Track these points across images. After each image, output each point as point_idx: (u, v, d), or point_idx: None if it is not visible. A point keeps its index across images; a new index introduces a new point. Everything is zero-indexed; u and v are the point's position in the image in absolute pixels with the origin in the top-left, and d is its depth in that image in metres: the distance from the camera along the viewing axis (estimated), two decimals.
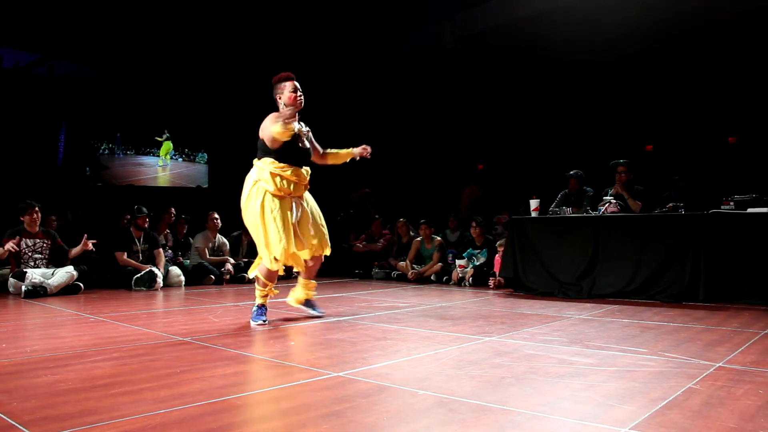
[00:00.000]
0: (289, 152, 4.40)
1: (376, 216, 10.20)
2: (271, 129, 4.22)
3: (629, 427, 2.01)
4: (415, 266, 8.85)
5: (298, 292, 5.01)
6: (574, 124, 10.02)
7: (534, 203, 7.05)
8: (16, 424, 2.05)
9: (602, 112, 9.69)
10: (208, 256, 8.72)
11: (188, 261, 8.82)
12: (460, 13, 10.02)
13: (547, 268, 6.70)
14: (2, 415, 2.15)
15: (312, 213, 4.63)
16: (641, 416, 2.12)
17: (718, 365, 2.95)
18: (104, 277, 7.85)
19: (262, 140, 4.41)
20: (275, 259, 4.30)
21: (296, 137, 4.42)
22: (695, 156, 8.81)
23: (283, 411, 2.23)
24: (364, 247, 9.93)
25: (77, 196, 10.27)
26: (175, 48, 10.67)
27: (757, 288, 5.48)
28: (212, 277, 8.44)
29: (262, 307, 4.61)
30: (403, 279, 8.84)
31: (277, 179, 4.33)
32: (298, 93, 4.44)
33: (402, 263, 8.98)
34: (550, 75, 9.96)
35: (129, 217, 8.37)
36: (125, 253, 7.87)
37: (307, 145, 4.66)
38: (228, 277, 8.63)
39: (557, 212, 7.04)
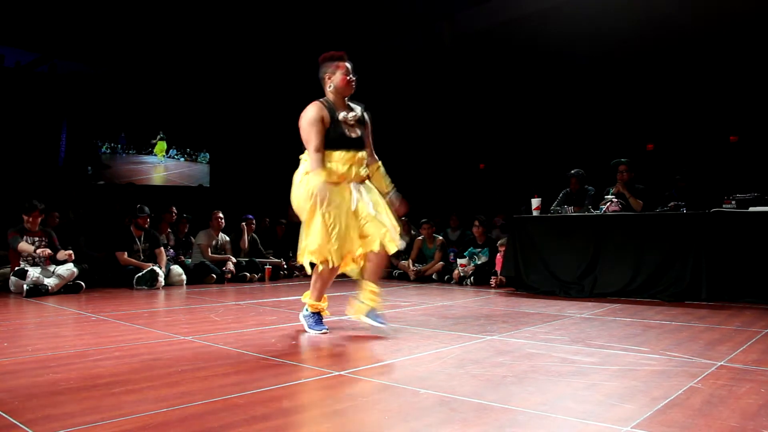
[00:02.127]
0: (334, 142, 3.93)
1: None
2: (301, 124, 3.90)
3: (631, 426, 2.00)
4: (416, 265, 8.86)
5: (358, 301, 4.05)
6: (575, 123, 10.01)
7: (535, 202, 7.06)
8: (18, 423, 2.05)
9: (603, 111, 9.69)
10: (210, 255, 8.72)
11: (190, 260, 8.82)
12: (460, 11, 10.01)
13: (548, 267, 6.70)
14: (4, 414, 2.15)
15: (374, 203, 3.99)
16: (643, 415, 2.12)
17: (719, 364, 2.95)
18: (105, 276, 7.85)
19: None
20: (311, 253, 3.82)
21: (338, 125, 3.95)
22: (696, 155, 8.80)
23: (285, 410, 2.23)
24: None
25: (79, 195, 10.27)
26: (177, 47, 10.67)
27: (758, 287, 5.48)
28: (214, 275, 8.44)
29: (317, 314, 4.10)
30: (404, 278, 8.84)
31: (327, 165, 3.88)
32: (351, 77, 4.01)
33: (403, 262, 8.98)
34: (551, 74, 9.96)
35: (130, 216, 8.36)
36: (126, 253, 7.87)
37: (358, 132, 4.05)
38: (230, 275, 8.63)
39: (559, 211, 7.04)
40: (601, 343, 3.57)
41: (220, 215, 8.97)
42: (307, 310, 4.15)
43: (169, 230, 9.13)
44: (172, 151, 11.69)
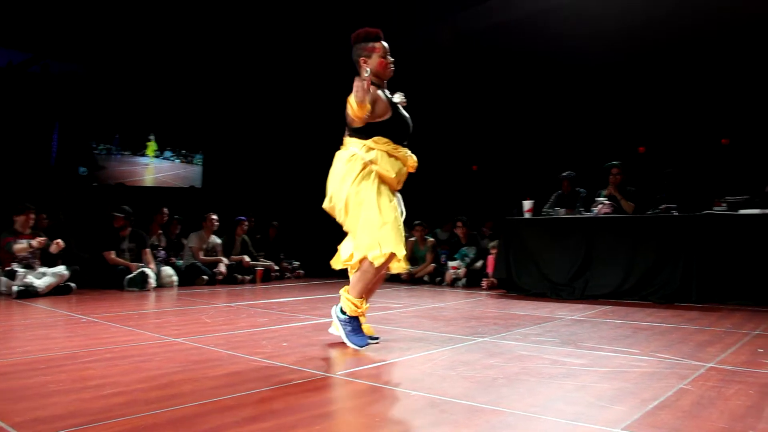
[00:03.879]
0: (399, 129, 3.54)
1: None
2: (349, 99, 3.26)
3: (621, 428, 2.01)
4: (408, 267, 8.86)
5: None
6: (567, 126, 10.04)
7: (527, 204, 7.07)
8: (7, 426, 2.04)
9: (595, 113, 9.71)
10: (201, 257, 8.71)
11: (181, 261, 8.80)
12: (453, 14, 10.02)
13: (540, 269, 6.72)
14: None
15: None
16: (633, 417, 2.12)
17: (709, 366, 2.96)
18: (94, 277, 7.82)
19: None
20: (392, 255, 3.37)
21: (397, 108, 3.57)
22: (688, 157, 8.84)
23: (275, 412, 2.23)
24: None
25: (70, 196, 10.23)
26: (172, 48, 10.64)
27: (748, 289, 5.51)
28: (205, 277, 8.43)
29: (355, 320, 3.54)
30: (396, 279, 8.84)
31: (397, 164, 3.49)
32: (389, 59, 3.58)
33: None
34: (544, 76, 9.98)
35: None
36: (113, 252, 7.85)
37: (407, 115, 3.66)
38: (221, 277, 8.63)
39: (550, 213, 7.06)
40: (591, 345, 3.58)
41: (214, 217, 8.97)
42: (341, 311, 3.56)
43: (160, 231, 9.11)
44: (168, 153, 11.65)
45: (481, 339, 3.83)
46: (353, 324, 3.51)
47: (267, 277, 9.26)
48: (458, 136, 11.72)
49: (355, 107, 3.20)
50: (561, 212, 6.99)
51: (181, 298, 6.67)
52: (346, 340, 3.50)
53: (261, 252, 9.78)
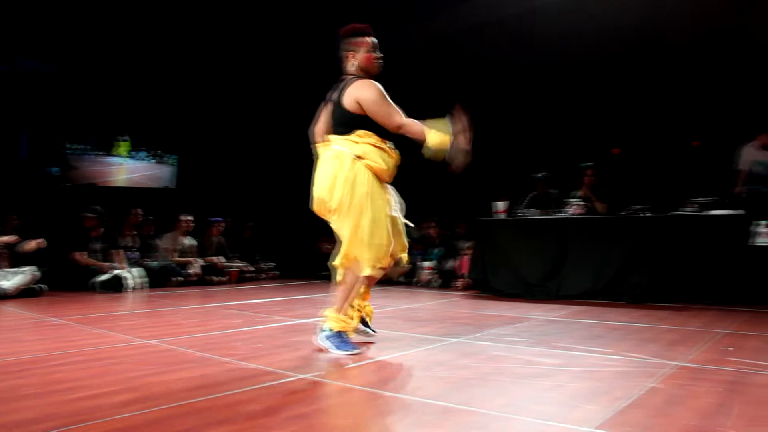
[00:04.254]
0: (386, 129, 3.45)
1: None
2: (379, 110, 3.32)
3: (593, 427, 2.03)
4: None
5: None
6: (541, 127, 10.10)
7: (501, 205, 7.11)
8: None
9: (570, 115, 9.79)
10: (174, 258, 8.64)
11: (154, 262, 8.72)
12: (429, 16, 10.05)
13: (514, 270, 6.76)
14: None
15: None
16: (604, 416, 2.14)
17: (680, 364, 3.00)
18: (64, 279, 7.71)
19: (352, 110, 3.38)
20: (377, 265, 3.39)
21: None
22: (660, 159, 8.95)
23: (249, 414, 2.21)
24: (332, 248, 9.90)
25: (41, 197, 10.08)
26: (147, 47, 10.53)
27: (718, 289, 5.60)
28: (179, 278, 8.36)
29: (340, 335, 3.43)
30: None
31: (385, 156, 3.43)
32: (377, 54, 3.55)
33: None
34: (518, 78, 10.04)
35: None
36: (84, 253, 7.77)
37: None
38: (195, 278, 8.57)
39: (524, 214, 7.10)
40: (564, 344, 3.61)
41: (189, 218, 8.90)
42: (327, 329, 3.45)
43: (133, 232, 9.02)
44: (142, 153, 11.53)
45: (455, 339, 3.84)
46: (339, 336, 3.40)
47: (241, 278, 9.21)
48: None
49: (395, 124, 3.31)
50: (535, 213, 7.03)
51: (153, 300, 6.61)
52: (336, 351, 3.35)
53: (236, 253, 9.72)
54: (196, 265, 8.68)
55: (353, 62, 3.51)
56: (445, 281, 8.05)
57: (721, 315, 4.90)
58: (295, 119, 12.13)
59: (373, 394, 2.53)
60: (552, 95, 9.86)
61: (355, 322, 3.67)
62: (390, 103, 3.35)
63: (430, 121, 3.38)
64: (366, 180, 3.34)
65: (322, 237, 10.24)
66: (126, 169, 11.40)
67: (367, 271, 3.36)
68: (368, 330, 3.88)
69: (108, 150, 11.22)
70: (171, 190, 11.61)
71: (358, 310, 3.78)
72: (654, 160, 8.98)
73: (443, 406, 2.30)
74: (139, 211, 9.13)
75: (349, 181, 3.31)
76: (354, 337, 3.58)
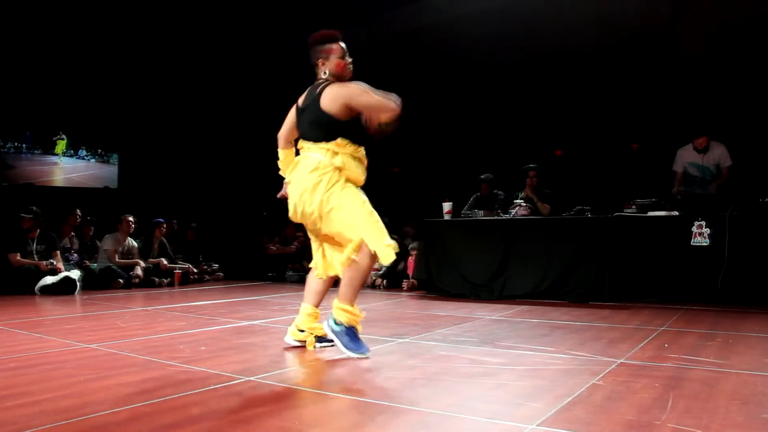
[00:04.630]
0: (359, 129, 3.45)
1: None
2: (364, 101, 3.31)
3: (536, 424, 2.06)
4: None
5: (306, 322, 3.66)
6: (486, 129, 10.23)
7: (446, 206, 7.16)
8: None
9: (513, 117, 9.94)
10: (117, 260, 8.46)
11: (95, 264, 8.52)
12: (376, 16, 10.09)
13: (459, 270, 6.81)
14: None
15: None
16: (548, 413, 2.18)
17: (620, 361, 3.07)
18: (2, 282, 7.47)
19: (334, 115, 3.33)
20: (388, 246, 3.22)
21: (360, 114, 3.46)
22: (601, 161, 9.16)
23: (193, 417, 2.19)
24: (277, 250, 9.85)
25: None
26: (88, 43, 10.29)
27: (656, 287, 5.77)
28: (121, 280, 8.20)
29: (352, 329, 3.33)
30: None
31: (361, 166, 3.45)
32: (348, 59, 3.53)
33: None
34: (462, 80, 10.15)
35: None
36: (18, 254, 7.57)
37: None
38: (137, 280, 8.41)
39: (469, 215, 7.17)
40: (509, 344, 3.66)
41: (131, 219, 8.73)
42: (335, 322, 3.34)
43: (72, 234, 8.81)
44: (82, 151, 11.24)
45: (401, 340, 3.86)
46: (350, 333, 3.30)
47: (185, 280, 9.07)
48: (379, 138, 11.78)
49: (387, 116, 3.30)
50: (480, 214, 7.10)
51: (94, 303, 6.45)
52: (345, 351, 3.26)
53: (179, 254, 9.58)
54: (138, 267, 8.51)
55: (324, 69, 3.49)
56: (391, 282, 8.06)
57: (659, 312, 5.03)
58: (239, 119, 12.05)
59: (320, 395, 2.52)
60: (496, 97, 10.00)
61: (312, 346, 3.58)
62: (376, 91, 3.32)
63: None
64: (345, 183, 3.34)
65: (267, 238, 10.18)
66: (65, 169, 11.12)
67: (382, 257, 3.22)
68: (324, 344, 3.63)
69: (46, 149, 10.92)
70: (112, 190, 11.37)
71: (311, 331, 3.62)
72: (595, 162, 9.19)
73: (390, 406, 2.31)
74: (78, 211, 8.92)
75: (328, 188, 3.29)
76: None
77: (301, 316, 3.64)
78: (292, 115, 3.66)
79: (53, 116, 10.78)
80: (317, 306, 3.65)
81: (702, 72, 8.25)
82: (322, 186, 3.29)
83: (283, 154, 3.76)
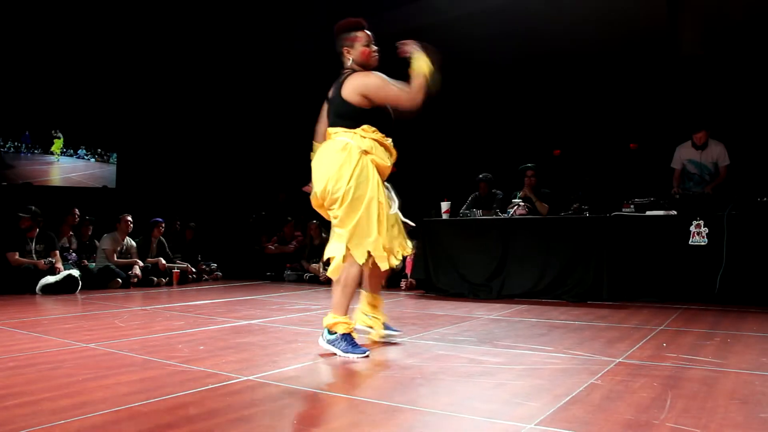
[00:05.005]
0: (386, 119, 3.49)
1: (289, 218, 10.13)
2: (382, 93, 3.36)
3: (534, 423, 2.06)
4: (327, 268, 8.82)
5: (370, 316, 3.80)
6: (484, 129, 10.23)
7: (445, 206, 7.15)
8: None
9: (512, 117, 9.93)
10: (115, 259, 8.45)
11: (94, 264, 8.51)
12: (373, 16, 10.07)
13: (457, 270, 6.81)
14: None
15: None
16: (546, 412, 2.18)
17: (618, 361, 3.07)
18: (2, 282, 7.46)
19: (356, 104, 3.36)
20: (368, 253, 3.26)
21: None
22: (599, 161, 9.16)
23: (190, 417, 2.18)
24: (276, 249, 9.85)
25: None
26: (89, 42, 10.28)
27: (654, 286, 5.76)
28: (119, 280, 8.19)
29: (347, 336, 3.32)
30: (315, 281, 8.80)
31: (386, 153, 3.46)
32: (373, 47, 3.53)
33: (314, 265, 8.95)
34: (460, 80, 10.14)
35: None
36: (17, 253, 7.56)
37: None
38: (135, 280, 8.40)
39: (468, 215, 7.17)
40: (508, 343, 3.66)
41: (129, 218, 8.72)
42: (329, 332, 3.35)
43: (71, 233, 8.79)
44: (81, 151, 11.22)
45: (399, 339, 3.86)
46: (346, 339, 3.28)
47: (184, 279, 9.06)
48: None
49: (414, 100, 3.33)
50: (478, 214, 7.10)
51: (93, 302, 6.45)
52: (345, 355, 3.23)
53: (177, 254, 9.57)
54: (137, 267, 8.51)
55: (349, 57, 3.51)
56: (389, 281, 8.05)
57: (658, 312, 5.04)
58: (237, 119, 12.04)
59: (318, 394, 2.52)
60: (494, 96, 9.99)
61: (380, 331, 3.73)
62: (395, 83, 3.36)
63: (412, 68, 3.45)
64: (371, 175, 3.33)
65: (266, 237, 10.17)
66: (62, 168, 11.09)
67: (361, 262, 3.27)
68: (391, 332, 3.85)
69: (46, 148, 10.90)
70: (111, 190, 11.36)
71: (375, 317, 3.77)
72: (593, 161, 9.19)
73: (388, 406, 2.30)
74: (76, 211, 8.91)
75: (356, 173, 3.28)
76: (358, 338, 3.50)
77: (362, 303, 3.76)
78: (324, 108, 3.66)
79: (52, 116, 10.76)
80: (375, 292, 3.76)
81: (701, 71, 8.25)
82: (348, 169, 3.27)
83: (318, 147, 3.69)
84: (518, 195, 7.24)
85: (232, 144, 12.14)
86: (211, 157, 12.05)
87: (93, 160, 11.42)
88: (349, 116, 3.37)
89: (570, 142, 9.61)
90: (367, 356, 3.24)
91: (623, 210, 6.22)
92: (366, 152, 3.34)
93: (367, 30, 3.53)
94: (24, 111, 10.46)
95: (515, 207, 6.90)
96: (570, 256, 6.13)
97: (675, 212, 5.91)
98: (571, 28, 8.61)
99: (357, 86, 3.36)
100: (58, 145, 11.02)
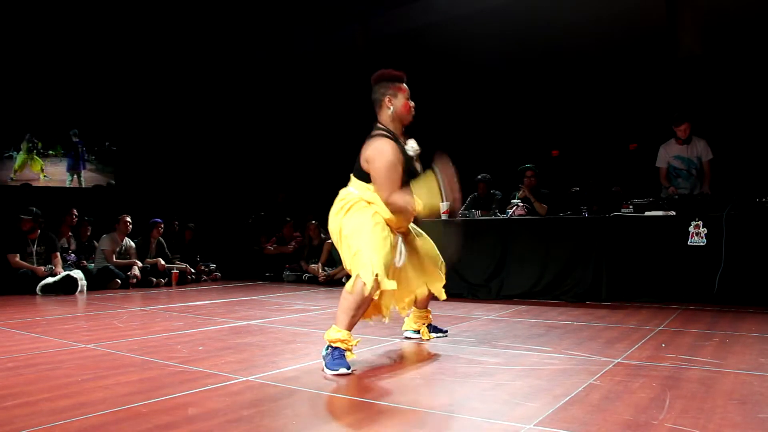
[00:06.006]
0: (402, 181, 3.36)
1: (288, 219, 10.13)
2: (380, 179, 3.25)
3: (533, 424, 2.06)
4: (326, 269, 8.84)
5: (413, 321, 3.89)
6: (483, 129, 10.23)
7: (443, 206, 7.14)
8: None
9: (511, 117, 9.94)
10: (114, 260, 8.45)
11: (93, 265, 8.51)
12: (373, 15, 10.09)
13: (456, 270, 6.80)
14: None
15: (420, 250, 3.73)
16: (545, 413, 2.19)
17: (616, 361, 3.08)
18: (3, 282, 7.46)
19: (365, 169, 3.32)
20: (377, 277, 3.05)
21: (410, 161, 3.44)
22: (598, 161, 9.16)
23: (190, 418, 2.18)
24: (275, 250, 9.84)
25: None
26: (89, 44, 10.29)
27: (653, 287, 5.75)
28: (118, 281, 8.18)
29: (337, 351, 3.03)
30: (314, 282, 8.80)
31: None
32: (412, 103, 3.50)
33: (313, 266, 8.95)
34: (460, 80, 10.15)
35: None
36: (17, 255, 7.56)
37: (419, 168, 3.55)
38: (135, 281, 8.39)
39: (466, 215, 7.17)
40: (506, 343, 3.67)
41: (128, 219, 8.71)
42: (326, 347, 3.11)
43: (69, 234, 8.79)
44: (81, 151, 11.24)
45: (398, 339, 3.86)
46: (335, 353, 3.01)
47: (183, 280, 9.05)
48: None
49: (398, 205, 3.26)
50: (477, 214, 7.10)
51: (92, 303, 6.45)
52: (326, 370, 2.97)
53: (176, 254, 9.56)
54: (136, 267, 8.50)
55: (389, 107, 3.43)
56: None
57: (656, 312, 5.04)
58: (236, 120, 12.04)
59: (316, 395, 2.52)
60: (493, 97, 10.00)
61: (425, 335, 3.86)
62: (391, 177, 3.25)
63: (420, 180, 3.42)
64: (366, 210, 3.27)
65: (265, 238, 10.17)
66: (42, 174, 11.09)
67: (367, 281, 3.04)
68: (439, 332, 3.98)
69: (47, 149, 10.91)
70: (110, 190, 11.37)
71: (420, 318, 3.89)
72: (592, 162, 9.19)
73: (387, 406, 2.31)
74: (75, 211, 8.90)
75: (350, 213, 3.27)
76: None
77: (412, 313, 3.90)
78: None
79: (52, 116, 10.77)
80: (424, 308, 3.88)
81: (700, 71, 8.25)
82: (344, 209, 3.29)
83: None
84: (517, 195, 7.24)
85: (232, 144, 12.14)
86: (211, 158, 12.05)
87: (92, 160, 11.44)
88: (362, 172, 3.33)
89: (569, 143, 9.62)
90: (347, 374, 2.91)
91: (622, 210, 6.22)
92: (368, 202, 3.30)
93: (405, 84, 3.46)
94: (23, 111, 10.47)
95: (514, 207, 6.90)
96: (569, 256, 6.12)
97: (674, 213, 5.91)
98: (570, 28, 8.62)
99: (366, 151, 3.31)
100: (38, 165, 11.01)
